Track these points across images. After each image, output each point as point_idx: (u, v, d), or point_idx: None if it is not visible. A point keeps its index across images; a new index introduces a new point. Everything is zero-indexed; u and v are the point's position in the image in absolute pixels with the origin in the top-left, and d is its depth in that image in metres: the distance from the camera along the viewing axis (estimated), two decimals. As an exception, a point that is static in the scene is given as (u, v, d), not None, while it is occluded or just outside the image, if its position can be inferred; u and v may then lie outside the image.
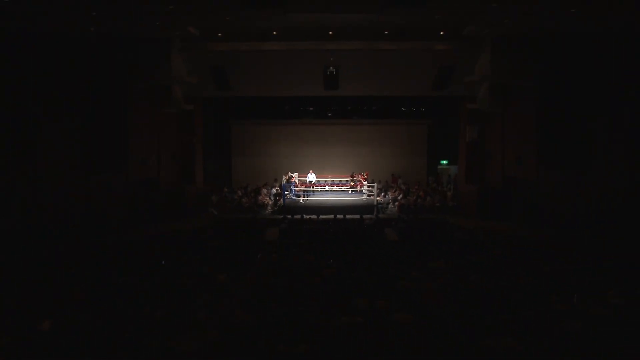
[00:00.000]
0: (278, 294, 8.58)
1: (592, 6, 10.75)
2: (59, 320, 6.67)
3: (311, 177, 21.89)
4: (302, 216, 17.53)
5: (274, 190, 21.47)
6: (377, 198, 20.46)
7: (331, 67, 17.66)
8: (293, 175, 21.53)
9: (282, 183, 21.23)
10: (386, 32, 16.11)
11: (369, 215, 18.52)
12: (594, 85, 13.50)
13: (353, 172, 22.33)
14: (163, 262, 11.57)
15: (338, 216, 17.38)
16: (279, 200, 20.71)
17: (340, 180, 22.64)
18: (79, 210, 14.03)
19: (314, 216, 17.63)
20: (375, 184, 21.16)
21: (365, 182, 21.38)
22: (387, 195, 21.32)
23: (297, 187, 21.35)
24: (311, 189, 21.73)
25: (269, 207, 20.31)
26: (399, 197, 20.84)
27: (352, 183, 21.88)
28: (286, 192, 20.78)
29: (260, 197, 20.83)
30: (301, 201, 20.89)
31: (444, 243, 14.07)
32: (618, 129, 12.50)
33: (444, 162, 24.29)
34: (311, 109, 23.70)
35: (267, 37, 16.44)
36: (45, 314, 7.14)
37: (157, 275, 10.05)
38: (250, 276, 10.57)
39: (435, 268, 10.81)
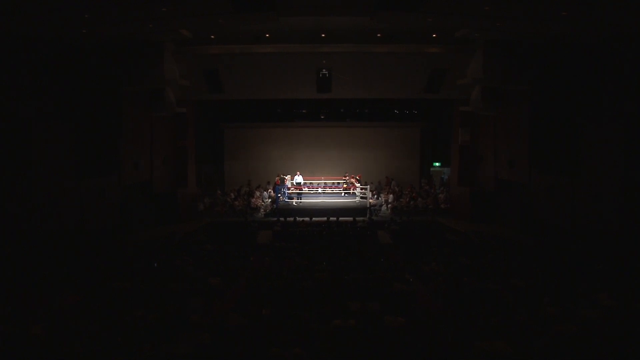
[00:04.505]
0: (271, 297, 8.59)
1: (585, 10, 10.81)
2: (52, 324, 6.63)
3: (298, 178, 21.79)
4: (295, 219, 17.52)
5: (266, 194, 21.42)
6: (370, 200, 20.48)
7: (324, 70, 17.65)
8: (286, 177, 21.48)
9: (283, 182, 21.16)
10: (379, 35, 16.14)
11: (362, 218, 18.54)
12: (587, 88, 13.57)
13: (347, 172, 22.36)
14: (155, 265, 11.56)
15: (331, 219, 17.39)
16: (273, 203, 20.68)
17: (333, 183, 22.65)
18: (72, 213, 13.94)
19: (307, 218, 17.63)
20: (368, 186, 21.20)
21: (357, 185, 21.41)
22: (380, 197, 21.36)
23: (289, 189, 21.31)
24: (300, 191, 21.62)
25: (262, 210, 20.27)
26: (391, 200, 20.89)
27: (345, 185, 21.89)
28: (279, 195, 20.75)
29: (253, 200, 20.78)
30: (294, 203, 20.86)
31: (436, 246, 14.13)
32: (611, 131, 12.55)
33: (437, 164, 24.38)
34: (304, 111, 23.68)
35: (260, 40, 16.41)
36: (39, 318, 7.10)
37: (151, 278, 10.03)
38: (243, 279, 10.57)
39: (428, 271, 10.86)
